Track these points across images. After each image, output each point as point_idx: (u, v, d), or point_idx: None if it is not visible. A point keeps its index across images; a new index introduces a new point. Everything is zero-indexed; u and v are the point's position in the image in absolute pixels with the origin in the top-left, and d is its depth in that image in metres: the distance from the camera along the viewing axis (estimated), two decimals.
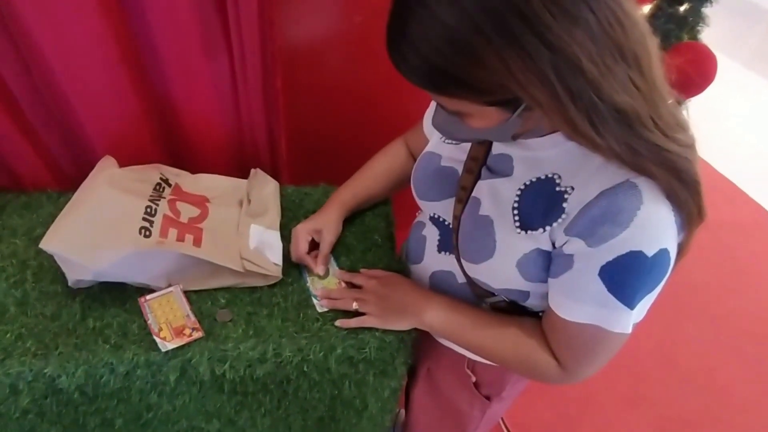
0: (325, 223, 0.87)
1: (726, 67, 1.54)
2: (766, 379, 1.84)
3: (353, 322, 0.77)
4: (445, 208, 0.73)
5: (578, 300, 0.59)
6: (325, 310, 0.81)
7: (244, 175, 0.98)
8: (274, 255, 0.85)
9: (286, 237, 0.89)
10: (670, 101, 0.52)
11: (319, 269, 0.84)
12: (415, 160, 0.91)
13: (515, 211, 0.62)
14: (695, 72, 1.18)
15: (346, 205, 0.90)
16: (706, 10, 1.60)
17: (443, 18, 0.43)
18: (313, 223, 0.86)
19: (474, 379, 0.85)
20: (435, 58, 0.45)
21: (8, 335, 0.72)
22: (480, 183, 0.68)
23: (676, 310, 1.99)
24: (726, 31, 4.01)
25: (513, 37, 0.42)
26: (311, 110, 1.09)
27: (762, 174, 2.85)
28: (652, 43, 0.48)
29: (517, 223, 0.62)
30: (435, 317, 0.74)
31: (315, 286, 0.84)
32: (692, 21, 1.45)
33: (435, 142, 0.77)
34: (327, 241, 0.86)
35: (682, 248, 0.58)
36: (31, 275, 0.80)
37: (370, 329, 0.77)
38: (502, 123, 0.52)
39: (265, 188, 0.93)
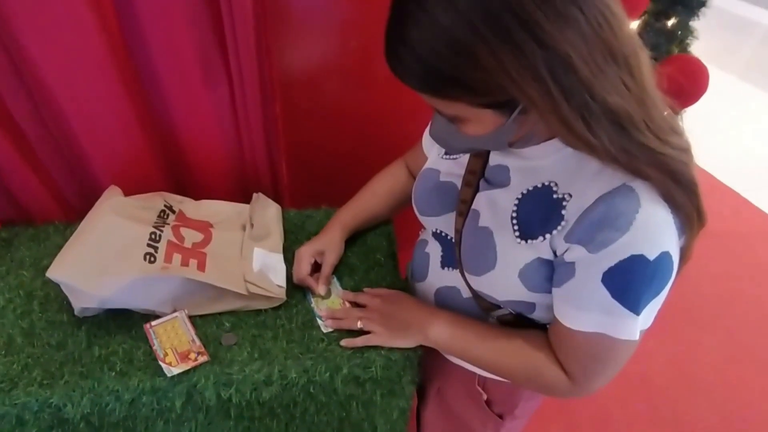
0: (327, 244, 0.87)
1: (721, 80, 1.56)
2: None
3: (359, 341, 0.77)
4: (446, 223, 0.74)
5: (583, 308, 0.58)
6: (330, 330, 0.81)
7: (246, 200, 1.00)
8: (278, 277, 0.86)
9: (289, 260, 0.89)
10: (665, 109, 0.53)
11: (321, 289, 0.85)
12: (415, 179, 0.93)
13: (514, 221, 0.63)
14: (687, 81, 1.20)
15: (347, 225, 0.91)
16: (696, 24, 1.64)
17: (440, 20, 0.45)
18: (315, 245, 0.87)
19: (485, 396, 0.84)
20: (433, 60, 0.47)
21: (15, 365, 0.72)
22: (479, 195, 0.68)
23: (687, 323, 1.96)
24: (718, 44, 4.09)
25: (508, 37, 0.44)
26: (310, 135, 1.11)
27: (766, 183, 2.85)
28: (641, 46, 0.49)
29: (517, 233, 0.62)
30: (440, 333, 0.74)
31: (319, 307, 0.84)
32: (681, 34, 1.49)
33: (434, 158, 0.78)
34: (328, 262, 0.86)
35: (684, 253, 0.57)
36: (37, 305, 0.81)
37: (375, 348, 0.77)
38: (499, 128, 0.53)
39: (268, 212, 0.94)
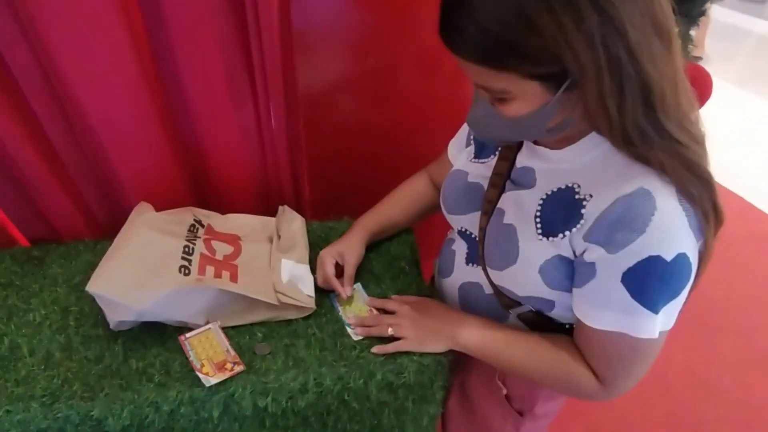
0: (347, 246, 0.89)
1: (719, 87, 1.60)
2: None
3: (390, 347, 0.78)
4: (471, 222, 0.76)
5: (603, 307, 0.60)
6: (360, 338, 0.82)
7: (268, 213, 1.02)
8: (307, 287, 0.87)
9: (314, 270, 0.91)
10: (690, 96, 0.55)
11: (347, 290, 0.86)
12: (437, 189, 0.95)
13: (537, 220, 0.65)
14: (692, 88, 1.22)
15: (367, 229, 0.93)
16: (692, 33, 1.68)
17: None
18: (336, 247, 0.89)
19: (505, 391, 0.85)
20: (495, 27, 0.48)
21: (55, 380, 0.74)
22: (504, 195, 0.71)
23: (700, 327, 1.96)
24: (713, 52, 4.17)
25: (571, 4, 0.45)
26: (331, 149, 1.14)
27: (765, 182, 2.87)
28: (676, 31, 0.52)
29: (539, 230, 0.64)
30: (470, 337, 0.75)
31: (347, 315, 0.86)
32: (682, 43, 1.52)
33: (463, 161, 0.81)
34: (350, 263, 0.88)
35: (704, 254, 0.58)
36: (73, 321, 0.83)
37: (407, 354, 0.78)
38: (542, 106, 0.54)
39: (293, 224, 0.96)
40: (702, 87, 1.33)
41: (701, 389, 1.77)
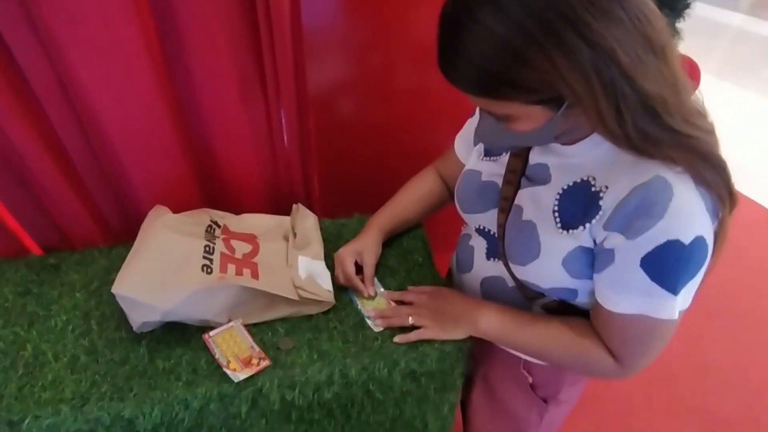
0: (366, 246, 0.91)
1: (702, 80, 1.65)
2: None
3: (413, 336, 0.80)
4: (489, 219, 0.78)
5: (623, 292, 0.62)
6: (381, 329, 0.84)
7: (280, 212, 1.03)
8: (325, 282, 0.89)
9: (329, 266, 0.93)
10: (692, 93, 0.58)
11: (369, 290, 0.88)
12: (446, 185, 0.97)
13: (556, 214, 0.67)
14: None
15: (383, 227, 0.95)
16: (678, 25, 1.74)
17: (494, 29, 0.49)
18: (354, 246, 0.90)
19: (531, 380, 0.87)
20: (488, 65, 0.51)
21: (83, 383, 0.74)
22: (520, 192, 0.73)
23: (697, 313, 2.01)
24: (693, 47, 4.28)
25: (559, 39, 0.48)
26: (339, 147, 1.16)
27: (756, 175, 2.96)
28: (671, 37, 0.55)
29: (559, 224, 0.66)
30: (489, 323, 0.77)
31: (366, 308, 0.88)
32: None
33: (474, 160, 0.82)
34: (368, 263, 0.90)
35: (719, 235, 0.60)
36: (95, 325, 0.83)
37: (429, 342, 0.80)
38: (547, 123, 0.57)
39: (307, 222, 0.98)
40: (691, 77, 1.37)
41: (701, 374, 1.82)
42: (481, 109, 0.63)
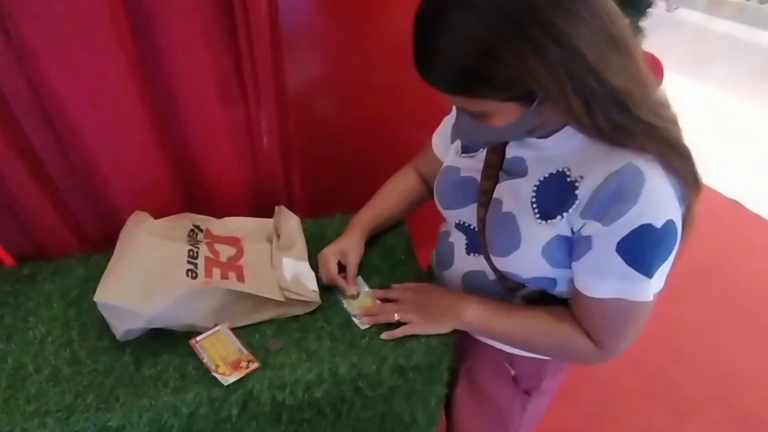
0: (349, 245, 0.92)
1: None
2: (762, 348, 1.94)
3: (399, 332, 0.81)
4: (469, 214, 0.80)
5: (601, 277, 0.65)
6: (367, 326, 0.85)
7: (262, 214, 1.03)
8: (310, 283, 0.89)
9: (314, 267, 0.93)
10: (655, 87, 0.61)
11: (352, 289, 0.89)
12: (425, 182, 0.99)
13: (534, 205, 0.69)
14: None
15: (366, 226, 0.96)
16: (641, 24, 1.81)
17: (467, 29, 0.51)
18: (338, 246, 0.91)
19: (513, 372, 0.90)
20: (462, 64, 0.53)
21: (67, 394, 0.73)
22: (499, 185, 0.75)
23: (666, 297, 2.09)
24: (654, 43, 4.45)
25: (529, 38, 0.51)
26: (320, 148, 1.16)
27: (716, 164, 3.09)
28: (633, 34, 0.58)
29: (537, 215, 0.69)
30: (473, 315, 0.79)
31: (352, 307, 0.89)
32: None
33: (452, 157, 0.84)
34: (352, 262, 0.91)
35: (687, 218, 0.64)
36: (76, 335, 0.81)
37: (415, 337, 0.82)
38: (521, 118, 0.59)
39: (290, 223, 0.98)
40: (654, 73, 1.43)
41: (673, 355, 1.90)
42: (457, 107, 0.65)
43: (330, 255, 0.90)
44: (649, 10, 1.68)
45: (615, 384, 1.77)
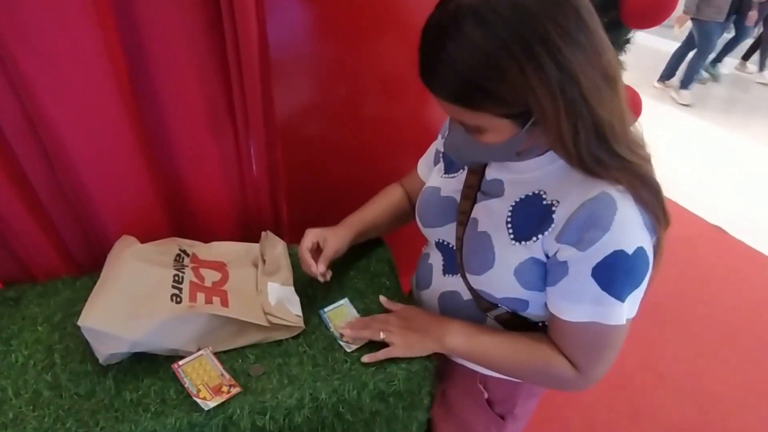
0: (333, 233, 0.92)
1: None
2: (744, 374, 1.96)
3: (381, 354, 0.82)
4: (448, 233, 0.83)
5: (576, 301, 0.68)
6: (354, 348, 0.85)
7: (249, 239, 1.05)
8: (294, 307, 0.90)
9: (299, 291, 0.95)
10: (632, 126, 0.65)
11: (320, 267, 0.88)
12: (411, 199, 1.02)
13: (509, 225, 0.72)
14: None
15: (353, 226, 0.97)
16: (621, 58, 1.89)
17: (478, 41, 0.54)
18: (322, 231, 0.92)
19: (486, 395, 0.91)
20: (468, 74, 0.56)
21: (46, 419, 0.72)
22: (477, 206, 0.78)
23: (651, 323, 2.13)
24: (639, 68, 4.61)
25: (533, 57, 0.54)
26: (307, 175, 1.19)
27: (696, 189, 3.17)
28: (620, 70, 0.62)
29: (512, 235, 0.72)
30: (455, 340, 0.81)
31: (338, 327, 0.89)
32: None
33: (434, 177, 0.88)
34: (330, 247, 0.90)
35: (657, 249, 0.67)
36: (59, 358, 0.82)
37: (395, 361, 0.83)
38: (513, 137, 0.62)
39: (276, 248, 1.00)
40: (633, 106, 1.49)
41: (657, 381, 1.91)
42: (452, 120, 0.68)
43: (311, 232, 0.90)
44: (627, 45, 1.75)
45: (600, 409, 1.78)
